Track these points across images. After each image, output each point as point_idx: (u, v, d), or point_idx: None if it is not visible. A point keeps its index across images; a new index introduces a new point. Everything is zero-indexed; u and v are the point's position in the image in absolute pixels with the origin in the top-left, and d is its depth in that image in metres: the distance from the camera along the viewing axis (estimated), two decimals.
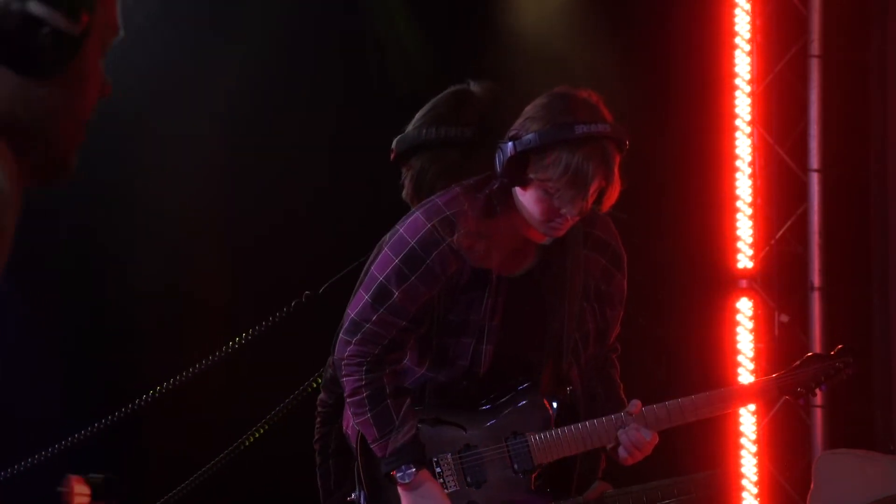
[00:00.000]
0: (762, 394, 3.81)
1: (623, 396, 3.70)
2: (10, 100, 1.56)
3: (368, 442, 3.53)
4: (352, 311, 3.55)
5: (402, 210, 3.70)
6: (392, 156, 3.84)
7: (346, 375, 3.53)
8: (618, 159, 3.43)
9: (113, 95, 1.70)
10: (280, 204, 5.76)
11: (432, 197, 3.60)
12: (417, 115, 3.85)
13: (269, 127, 5.78)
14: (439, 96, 3.87)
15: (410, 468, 3.50)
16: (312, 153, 5.72)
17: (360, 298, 3.54)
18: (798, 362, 3.76)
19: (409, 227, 3.54)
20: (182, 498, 4.46)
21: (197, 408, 5.30)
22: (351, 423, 3.68)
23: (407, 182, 3.80)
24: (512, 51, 5.60)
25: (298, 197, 5.74)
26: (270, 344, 4.39)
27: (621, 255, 3.71)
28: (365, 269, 3.65)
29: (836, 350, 3.79)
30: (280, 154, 5.76)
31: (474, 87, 3.85)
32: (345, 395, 3.56)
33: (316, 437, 3.87)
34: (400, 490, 3.52)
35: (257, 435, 4.27)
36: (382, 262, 3.54)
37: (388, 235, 3.61)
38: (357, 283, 3.69)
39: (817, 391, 3.75)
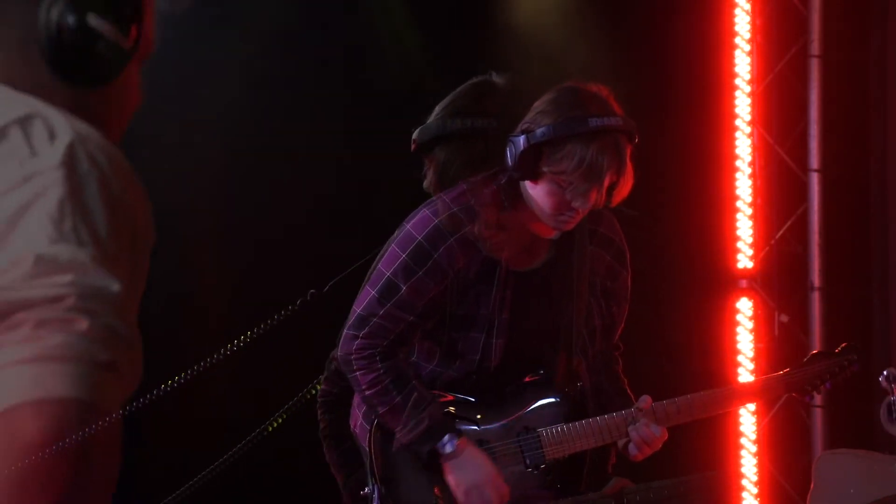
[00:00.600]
0: (769, 391, 3.86)
1: (630, 392, 3.73)
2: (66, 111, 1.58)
3: (397, 427, 3.50)
4: (357, 307, 3.56)
5: (405, 210, 3.70)
6: (413, 147, 3.83)
7: (358, 369, 3.52)
8: (629, 153, 3.47)
9: None
10: (281, 206, 5.76)
11: (439, 194, 3.62)
12: (439, 107, 3.85)
13: (268, 128, 5.77)
14: (460, 88, 3.87)
15: (453, 438, 3.50)
16: (312, 154, 5.71)
17: (367, 294, 3.56)
18: (804, 360, 3.83)
19: (417, 224, 3.56)
20: (184, 500, 4.45)
21: (200, 409, 5.29)
22: (359, 421, 3.67)
23: (430, 173, 3.80)
24: (511, 51, 5.59)
25: (300, 199, 5.73)
26: (275, 345, 4.39)
27: (625, 252, 3.75)
28: (371, 268, 3.67)
29: (840, 348, 3.86)
30: (280, 155, 5.75)
31: (496, 78, 3.86)
32: (361, 389, 3.53)
33: (322, 426, 3.85)
34: (446, 465, 3.51)
35: (269, 428, 4.26)
36: (390, 258, 3.56)
37: (395, 233, 3.63)
38: (364, 283, 3.70)
39: (823, 388, 3.81)
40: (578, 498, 3.61)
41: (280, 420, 4.05)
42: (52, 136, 1.51)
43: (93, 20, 1.61)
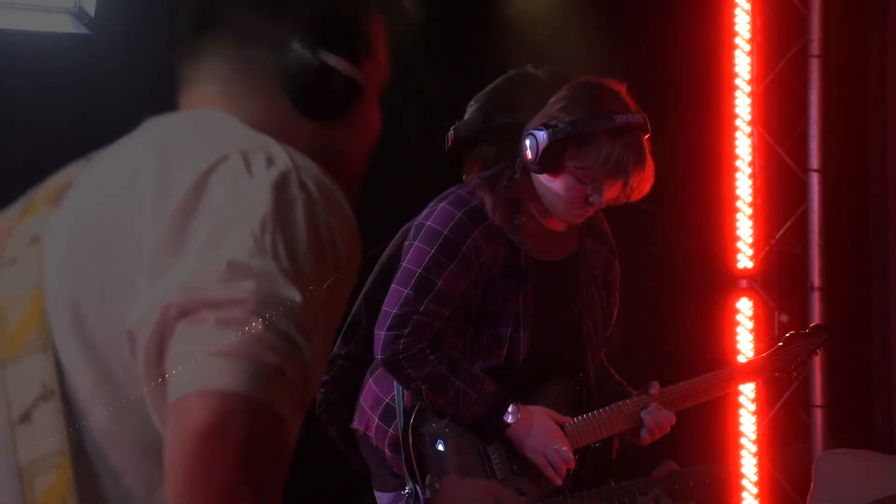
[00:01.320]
0: (761, 371, 4.01)
1: (621, 380, 3.79)
2: (309, 147, 1.68)
3: (464, 410, 3.50)
4: (391, 308, 3.53)
5: (405, 208, 3.70)
6: (450, 142, 3.80)
7: (410, 367, 3.50)
8: (648, 150, 3.50)
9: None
10: None
11: (452, 189, 3.62)
12: (476, 102, 3.81)
13: None
14: (497, 82, 3.83)
15: (515, 406, 3.54)
16: None
17: (399, 293, 3.53)
18: (781, 343, 4.02)
19: (438, 218, 3.56)
20: None
21: None
22: (375, 423, 3.66)
23: (474, 169, 3.75)
24: (509, 51, 5.59)
25: None
26: None
27: (614, 243, 3.81)
28: (377, 265, 3.68)
29: (810, 328, 4.14)
30: None
31: (536, 71, 3.84)
32: (418, 385, 3.51)
33: (334, 432, 3.80)
34: (516, 434, 3.54)
35: None
36: (416, 256, 3.54)
37: (412, 231, 3.61)
38: (370, 280, 3.70)
39: (801, 368, 4.04)
40: (628, 483, 3.66)
41: None
42: (269, 163, 1.59)
43: (330, 58, 1.71)
